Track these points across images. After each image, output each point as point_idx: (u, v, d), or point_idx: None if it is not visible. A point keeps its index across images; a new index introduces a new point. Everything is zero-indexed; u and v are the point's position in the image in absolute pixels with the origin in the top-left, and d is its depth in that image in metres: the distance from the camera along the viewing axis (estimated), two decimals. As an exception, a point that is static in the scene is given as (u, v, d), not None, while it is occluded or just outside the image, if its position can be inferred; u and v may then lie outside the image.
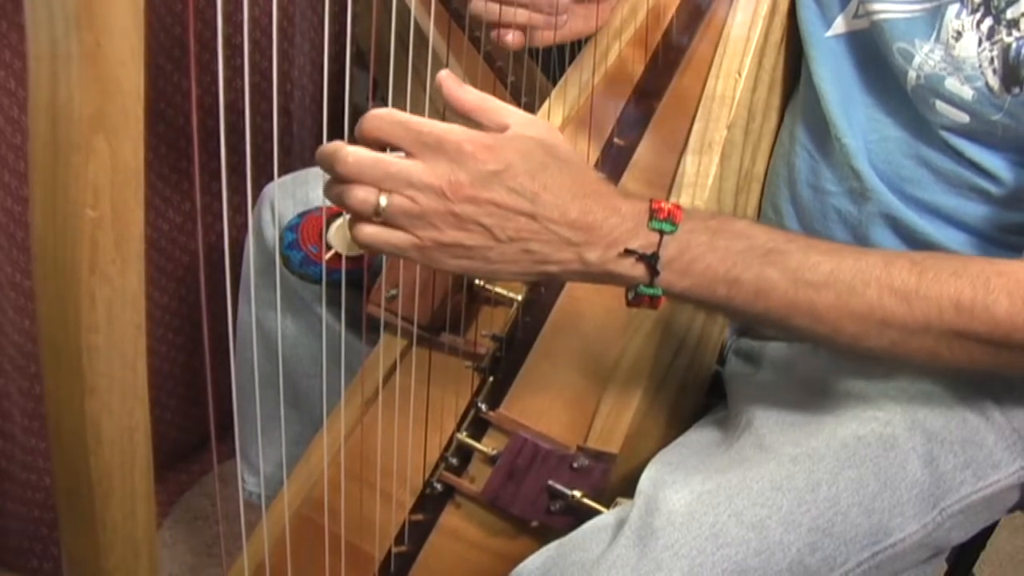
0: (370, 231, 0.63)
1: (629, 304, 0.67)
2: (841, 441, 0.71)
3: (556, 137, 0.65)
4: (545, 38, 0.93)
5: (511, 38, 0.90)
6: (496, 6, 0.89)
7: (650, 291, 0.65)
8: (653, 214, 0.64)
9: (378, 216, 0.62)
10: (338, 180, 0.63)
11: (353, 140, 0.63)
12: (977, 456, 0.74)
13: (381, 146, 0.62)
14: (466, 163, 0.61)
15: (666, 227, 0.64)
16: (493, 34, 0.91)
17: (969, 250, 0.78)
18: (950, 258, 0.67)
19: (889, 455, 0.71)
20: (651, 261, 0.64)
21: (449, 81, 0.65)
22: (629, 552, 0.65)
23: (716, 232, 0.65)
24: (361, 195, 0.61)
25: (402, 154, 0.62)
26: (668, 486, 0.69)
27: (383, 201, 0.61)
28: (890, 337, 0.65)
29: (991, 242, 0.78)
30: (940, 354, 0.66)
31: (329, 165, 0.62)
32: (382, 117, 0.62)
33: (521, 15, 0.89)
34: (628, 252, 0.64)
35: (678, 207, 0.65)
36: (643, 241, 0.64)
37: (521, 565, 0.70)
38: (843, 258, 0.65)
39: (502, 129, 0.63)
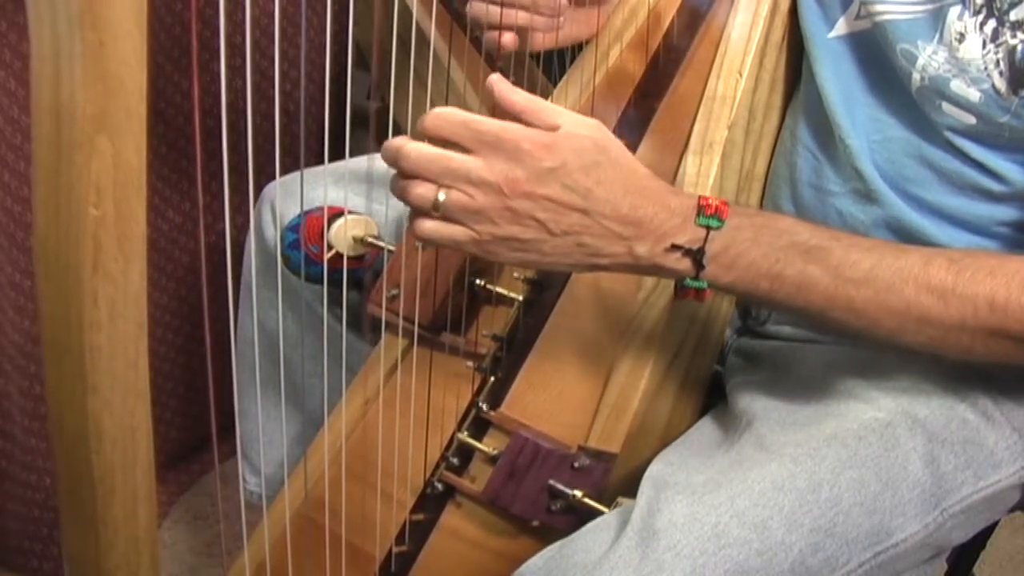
0: (429, 226, 0.65)
1: (676, 296, 0.70)
2: (842, 441, 0.71)
3: (607, 135, 0.67)
4: (547, 41, 0.93)
5: (507, 39, 0.90)
6: (496, 8, 0.89)
7: (695, 284, 0.68)
8: (701, 210, 0.66)
9: (437, 211, 0.64)
10: (401, 175, 0.65)
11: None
12: (978, 456, 0.74)
13: (443, 143, 0.65)
14: (523, 160, 0.63)
15: (713, 223, 0.66)
16: (487, 35, 0.91)
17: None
18: (988, 256, 0.69)
19: (890, 455, 0.71)
20: (697, 256, 0.66)
21: (500, 84, 0.66)
22: (631, 553, 0.66)
23: (761, 229, 0.67)
24: (420, 191, 0.64)
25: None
26: (670, 487, 0.70)
27: (441, 197, 0.64)
28: (927, 333, 0.67)
29: (994, 241, 0.78)
30: (976, 350, 0.67)
31: (393, 160, 0.65)
32: (443, 115, 0.64)
33: (522, 17, 0.89)
34: (675, 247, 0.66)
35: (725, 203, 0.67)
36: (690, 236, 0.66)
37: (524, 566, 0.70)
38: (883, 256, 0.67)
39: (553, 129, 0.65)
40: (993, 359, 0.68)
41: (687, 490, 0.69)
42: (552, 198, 0.64)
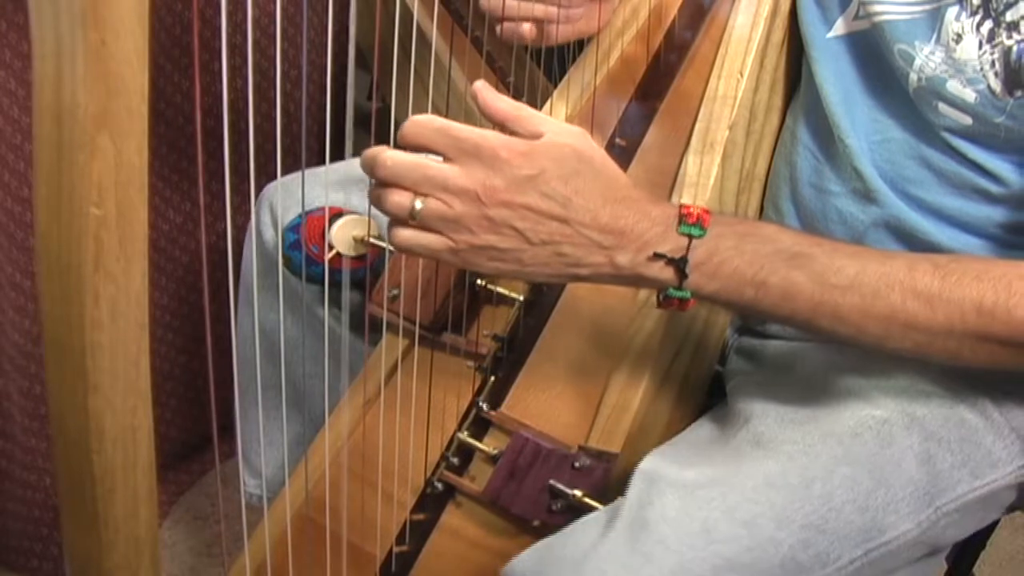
0: (406, 235, 0.65)
1: (659, 305, 0.69)
2: (837, 438, 0.71)
3: (590, 144, 0.66)
4: (563, 33, 0.92)
5: (527, 28, 0.89)
6: (512, 1, 0.88)
7: (679, 294, 0.67)
8: (682, 219, 0.66)
9: (413, 219, 0.64)
10: (378, 183, 0.65)
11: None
12: (975, 455, 0.74)
13: (422, 151, 0.64)
14: (501, 168, 0.63)
15: (695, 231, 0.65)
16: (499, 28, 0.91)
17: (971, 251, 0.78)
18: (973, 261, 0.68)
19: (885, 453, 0.71)
20: (680, 265, 0.65)
21: (484, 91, 0.66)
22: (619, 546, 0.66)
23: (744, 236, 0.67)
24: (396, 199, 0.64)
25: (441, 159, 0.64)
26: (662, 480, 0.70)
27: (418, 205, 0.63)
28: (913, 339, 0.66)
29: (993, 242, 0.78)
30: (963, 355, 0.67)
31: (370, 168, 0.65)
32: (422, 123, 0.64)
33: (538, 10, 0.89)
34: (657, 256, 0.65)
35: (707, 212, 0.66)
36: (672, 245, 0.65)
37: (514, 560, 0.70)
38: (868, 262, 0.66)
39: (537, 137, 0.65)
40: (980, 364, 0.68)
41: (678, 484, 0.69)
42: (530, 206, 0.64)
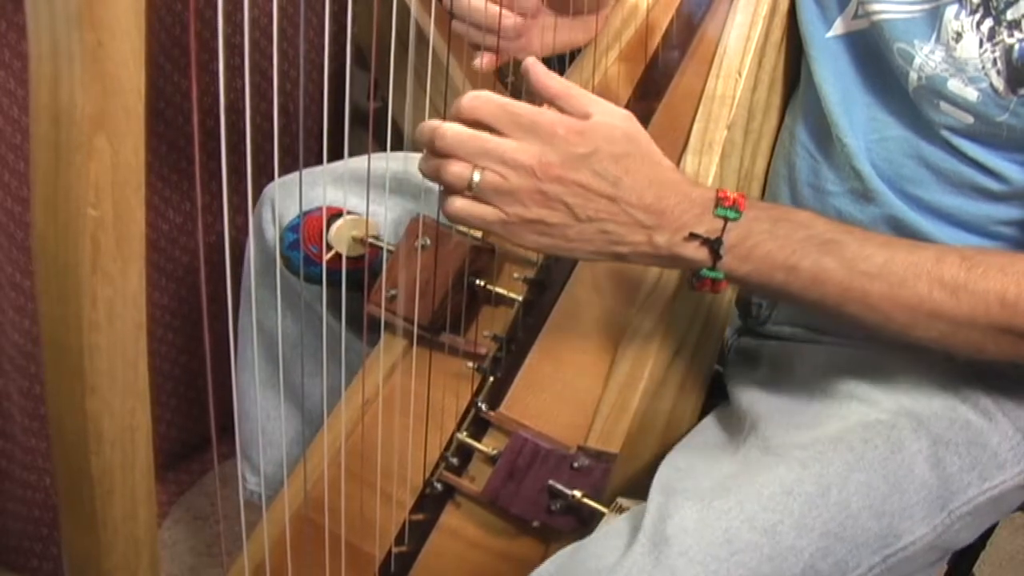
0: (460, 204, 0.67)
1: (692, 288, 0.71)
2: (848, 444, 0.71)
3: (637, 127, 0.69)
4: (544, 48, 0.93)
5: (482, 62, 0.91)
6: (465, 27, 0.89)
7: (712, 274, 0.69)
8: (719, 202, 0.68)
9: (470, 191, 0.66)
10: (435, 154, 0.67)
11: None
12: (982, 457, 0.74)
13: (478, 126, 0.66)
14: (557, 145, 0.65)
15: (730, 214, 0.67)
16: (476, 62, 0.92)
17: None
18: (999, 254, 0.69)
19: (896, 458, 0.71)
20: (714, 246, 0.67)
21: (536, 67, 0.68)
22: (644, 559, 0.65)
23: (778, 221, 0.68)
24: (456, 170, 0.66)
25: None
26: (679, 492, 0.70)
27: (476, 176, 0.65)
28: (938, 329, 0.68)
29: (992, 241, 0.78)
30: (987, 347, 0.68)
31: (428, 139, 0.67)
32: (482, 98, 0.66)
33: (489, 39, 0.89)
34: (693, 236, 0.67)
35: (743, 196, 0.68)
36: (708, 227, 0.67)
37: (535, 572, 0.70)
38: (897, 251, 0.68)
39: (586, 116, 0.67)
40: (1003, 357, 0.69)
41: (696, 495, 0.69)
42: (582, 183, 0.66)
